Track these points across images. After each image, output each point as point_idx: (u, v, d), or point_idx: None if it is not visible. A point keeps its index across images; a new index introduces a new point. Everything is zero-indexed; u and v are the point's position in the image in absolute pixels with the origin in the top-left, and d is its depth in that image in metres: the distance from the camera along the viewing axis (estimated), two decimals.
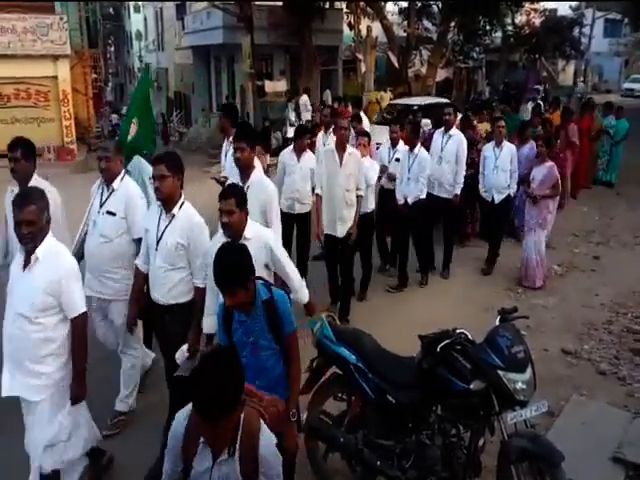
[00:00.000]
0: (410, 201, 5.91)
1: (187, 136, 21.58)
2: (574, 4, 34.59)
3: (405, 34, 19.57)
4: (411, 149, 6.00)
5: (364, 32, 19.32)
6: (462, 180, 6.30)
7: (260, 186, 3.88)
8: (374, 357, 3.06)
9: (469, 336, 3.02)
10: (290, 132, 13.35)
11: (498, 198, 6.62)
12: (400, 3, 21.18)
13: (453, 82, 25.97)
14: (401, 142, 6.38)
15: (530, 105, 14.66)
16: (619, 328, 5.28)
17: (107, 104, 25.57)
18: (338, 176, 5.05)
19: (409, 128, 6.15)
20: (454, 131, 6.45)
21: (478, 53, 26.16)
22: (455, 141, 6.33)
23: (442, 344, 2.88)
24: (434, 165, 6.21)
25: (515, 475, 2.76)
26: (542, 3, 26.77)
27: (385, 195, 6.39)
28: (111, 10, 36.89)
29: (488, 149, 6.78)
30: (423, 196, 5.90)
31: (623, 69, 41.69)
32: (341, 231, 5.18)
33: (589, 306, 5.80)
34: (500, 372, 2.75)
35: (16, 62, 14.04)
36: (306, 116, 16.01)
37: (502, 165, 6.56)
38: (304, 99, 16.56)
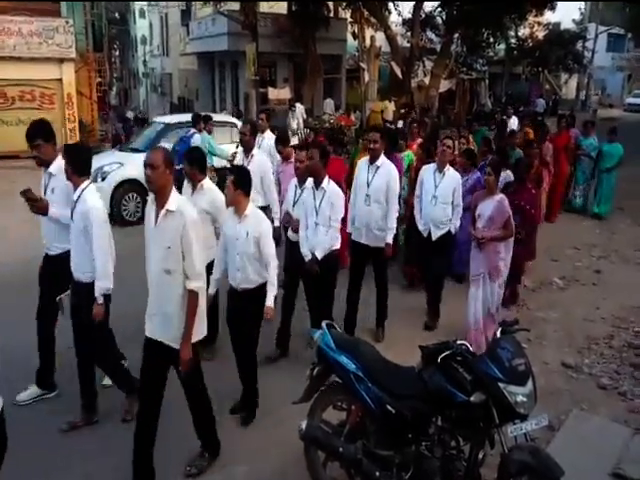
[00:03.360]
0: (319, 255, 4.43)
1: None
2: (577, 18, 34.87)
3: (409, 44, 19.68)
4: (317, 184, 4.54)
5: (368, 42, 19.42)
6: (394, 224, 5.01)
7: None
8: (374, 366, 3.05)
9: (470, 348, 3.01)
10: (293, 139, 13.35)
11: (436, 234, 5.46)
12: (404, 14, 21.35)
13: (456, 93, 26.05)
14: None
15: (515, 120, 13.17)
16: (620, 343, 5.27)
17: (112, 108, 25.64)
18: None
19: (313, 153, 4.50)
20: (382, 161, 5.01)
21: (481, 65, 26.33)
22: (384, 175, 4.94)
23: (443, 355, 2.88)
24: (360, 205, 5.00)
25: None
26: (546, 17, 26.92)
27: (294, 249, 4.78)
28: (117, 15, 37.11)
29: (427, 172, 5.57)
30: (337, 246, 4.56)
31: (626, 84, 41.92)
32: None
33: (590, 320, 5.78)
34: (501, 384, 2.74)
35: (22, 64, 14.11)
36: (300, 124, 16.06)
37: (442, 196, 5.38)
38: (300, 107, 16.63)
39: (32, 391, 4.14)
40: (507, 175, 6.21)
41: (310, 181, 4.61)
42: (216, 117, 10.33)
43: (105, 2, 23.58)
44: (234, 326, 3.99)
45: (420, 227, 5.59)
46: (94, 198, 3.66)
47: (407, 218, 6.37)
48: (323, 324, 3.28)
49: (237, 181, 3.76)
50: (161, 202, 3.11)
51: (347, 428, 3.12)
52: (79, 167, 3.69)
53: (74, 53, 14.83)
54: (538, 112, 24.41)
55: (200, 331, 3.27)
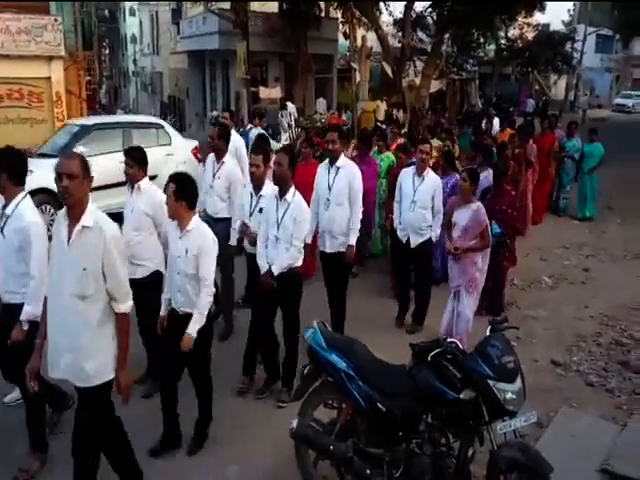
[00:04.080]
0: (275, 271, 3.98)
1: None
2: (566, 19, 35.16)
3: (400, 45, 19.72)
4: (281, 193, 4.04)
5: (359, 42, 19.44)
6: (358, 225, 4.73)
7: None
8: (365, 365, 3.06)
9: (460, 345, 3.03)
10: (284, 139, 13.34)
11: (415, 241, 5.25)
12: (395, 14, 21.39)
13: (447, 93, 26.16)
14: (269, 184, 4.37)
15: (497, 121, 12.70)
16: (608, 340, 5.32)
17: (101, 107, 25.46)
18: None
19: (280, 158, 4.04)
20: (343, 162, 4.79)
21: (472, 65, 26.42)
22: (345, 175, 4.72)
23: (433, 353, 2.89)
24: (321, 211, 4.77)
25: None
26: (535, 18, 27.11)
27: (254, 264, 4.27)
28: (106, 13, 36.87)
29: (406, 176, 5.36)
30: (298, 264, 4.09)
31: (614, 85, 42.33)
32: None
33: (579, 318, 5.83)
34: (490, 382, 2.76)
35: (10, 62, 13.95)
36: (292, 123, 16.03)
37: (421, 201, 5.17)
38: (291, 106, 16.60)
39: (17, 393, 3.96)
40: (489, 174, 6.14)
41: (274, 189, 4.13)
42: (137, 118, 9.90)
43: (95, 1, 23.45)
44: (175, 352, 3.44)
45: (399, 233, 5.38)
46: (33, 213, 3.28)
47: (390, 223, 6.04)
48: (314, 323, 3.28)
49: (179, 192, 3.37)
50: (75, 217, 2.69)
51: (338, 426, 3.12)
52: (16, 174, 3.28)
53: (63, 51, 14.70)
54: (528, 112, 24.59)
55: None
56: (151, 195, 4.11)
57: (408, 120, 17.57)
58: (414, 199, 5.20)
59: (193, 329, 3.38)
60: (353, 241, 4.73)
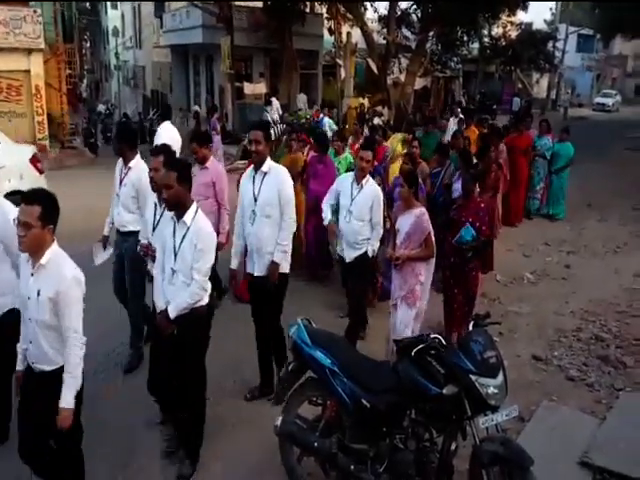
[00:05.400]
0: (172, 313, 3.23)
1: None
2: (549, 18, 35.56)
3: (384, 41, 19.76)
4: (178, 215, 3.27)
5: (344, 38, 19.43)
6: (286, 240, 3.99)
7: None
8: (349, 361, 3.07)
9: (443, 341, 3.05)
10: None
11: (349, 255, 4.75)
12: (380, 11, 21.43)
13: (431, 91, 26.29)
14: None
15: (454, 120, 11.75)
16: (588, 335, 5.40)
17: (82, 101, 25.07)
18: None
19: (169, 177, 3.23)
20: (269, 166, 3.97)
21: (456, 63, 26.59)
22: (273, 182, 3.93)
23: (417, 348, 2.91)
24: (247, 225, 4.03)
25: (486, 479, 2.79)
26: (518, 16, 27.37)
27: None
28: (87, 5, 36.27)
29: (344, 182, 4.84)
30: (202, 302, 3.31)
31: (595, 83, 42.97)
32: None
33: (560, 314, 5.91)
34: (473, 377, 2.78)
35: None
36: (276, 120, 15.99)
37: (358, 211, 4.65)
38: (276, 102, 16.54)
39: None
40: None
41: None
42: None
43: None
44: (30, 419, 2.86)
45: (338, 247, 4.92)
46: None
47: None
48: (298, 319, 3.28)
49: (43, 214, 2.65)
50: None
51: (322, 423, 3.13)
52: None
53: (42, 44, 14.43)
54: (514, 111, 24.77)
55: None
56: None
57: (393, 117, 17.65)
58: (350, 209, 4.70)
59: (67, 400, 2.70)
60: (278, 258, 3.95)
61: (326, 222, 4.98)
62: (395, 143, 6.45)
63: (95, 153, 16.05)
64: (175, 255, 3.25)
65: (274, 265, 3.95)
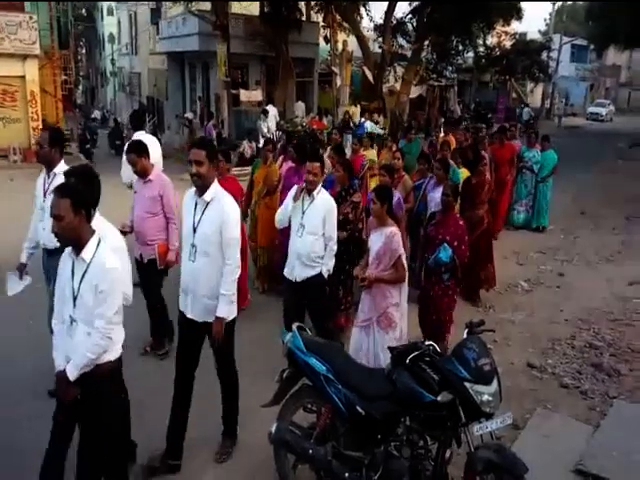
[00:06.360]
0: (71, 373, 2.65)
1: (162, 142, 21.34)
2: (543, 29, 35.94)
3: (380, 50, 19.90)
4: (76, 250, 2.69)
5: (340, 46, 19.56)
6: (232, 287, 3.34)
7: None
8: (344, 368, 3.06)
9: (437, 349, 3.06)
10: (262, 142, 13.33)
11: (300, 274, 4.28)
12: (375, 19, 21.61)
13: (426, 99, 26.46)
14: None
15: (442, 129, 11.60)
16: (581, 343, 5.42)
17: (77, 107, 25.05)
18: None
19: (61, 207, 2.63)
20: (215, 193, 3.33)
21: (451, 72, 26.79)
22: (214, 216, 3.29)
23: (411, 356, 2.91)
24: (184, 261, 3.41)
25: None
26: (512, 26, 27.65)
27: None
28: (84, 11, 36.37)
29: (295, 192, 4.39)
30: (109, 357, 2.73)
31: (588, 93, 43.39)
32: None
33: (554, 321, 5.94)
34: (467, 384, 2.79)
35: None
36: (272, 127, 16.02)
37: (310, 225, 4.23)
38: (273, 110, 16.58)
39: None
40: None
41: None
42: None
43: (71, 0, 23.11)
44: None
45: (286, 267, 4.46)
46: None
47: None
48: (294, 326, 3.27)
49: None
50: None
51: (317, 430, 3.12)
52: None
53: (38, 50, 14.46)
54: (525, 120, 24.90)
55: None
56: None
57: (389, 124, 17.75)
58: (302, 222, 4.28)
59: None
60: (222, 311, 3.31)
61: (279, 225, 4.58)
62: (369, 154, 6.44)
63: (90, 159, 16.03)
64: (74, 300, 2.66)
65: (218, 321, 3.30)
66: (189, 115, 19.84)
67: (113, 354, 2.76)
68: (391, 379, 2.97)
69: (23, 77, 14.47)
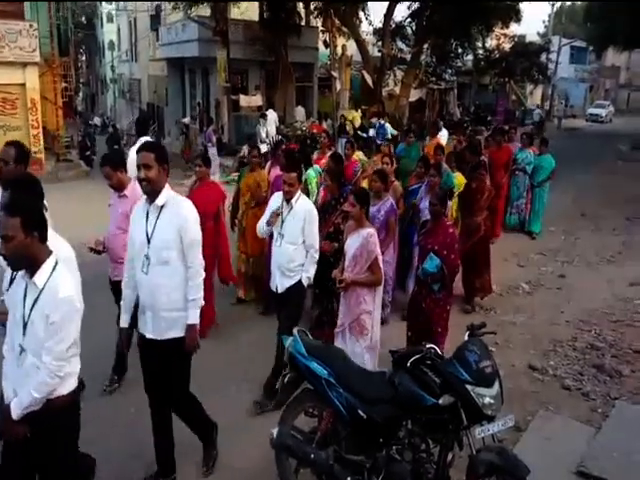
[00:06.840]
0: (15, 412, 2.40)
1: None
2: (542, 31, 36.03)
3: (379, 54, 19.96)
4: (30, 272, 2.46)
5: (339, 50, 19.62)
6: (199, 294, 3.17)
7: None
8: (345, 372, 3.07)
9: (439, 351, 3.06)
10: (263, 148, 13.33)
11: (282, 284, 4.19)
12: (375, 23, 21.67)
13: (426, 102, 26.50)
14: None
15: (445, 132, 11.03)
16: (583, 345, 5.42)
17: (78, 114, 25.10)
18: None
19: (9, 228, 2.37)
20: (167, 197, 3.12)
21: (450, 75, 26.85)
22: (171, 219, 3.11)
23: (412, 359, 2.92)
24: (139, 275, 3.16)
25: None
26: (511, 29, 27.72)
27: None
28: (83, 19, 36.54)
29: (276, 199, 4.35)
30: (59, 392, 2.47)
31: (588, 95, 43.42)
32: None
33: (555, 323, 5.93)
34: (469, 387, 2.79)
35: None
36: (271, 131, 15.98)
37: (289, 234, 4.14)
38: (273, 114, 16.61)
39: None
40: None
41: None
42: None
43: (71, 6, 23.21)
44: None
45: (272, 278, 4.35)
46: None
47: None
48: (294, 330, 3.28)
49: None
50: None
51: (319, 434, 3.12)
52: None
53: (38, 57, 14.49)
54: (535, 121, 24.86)
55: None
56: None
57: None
58: (281, 232, 4.18)
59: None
60: (194, 318, 3.16)
61: (260, 234, 4.52)
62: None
63: (90, 166, 16.07)
64: (24, 327, 2.39)
65: (190, 328, 3.15)
66: (186, 120, 19.86)
67: (67, 387, 2.47)
68: (392, 382, 2.97)
69: (23, 85, 14.50)
